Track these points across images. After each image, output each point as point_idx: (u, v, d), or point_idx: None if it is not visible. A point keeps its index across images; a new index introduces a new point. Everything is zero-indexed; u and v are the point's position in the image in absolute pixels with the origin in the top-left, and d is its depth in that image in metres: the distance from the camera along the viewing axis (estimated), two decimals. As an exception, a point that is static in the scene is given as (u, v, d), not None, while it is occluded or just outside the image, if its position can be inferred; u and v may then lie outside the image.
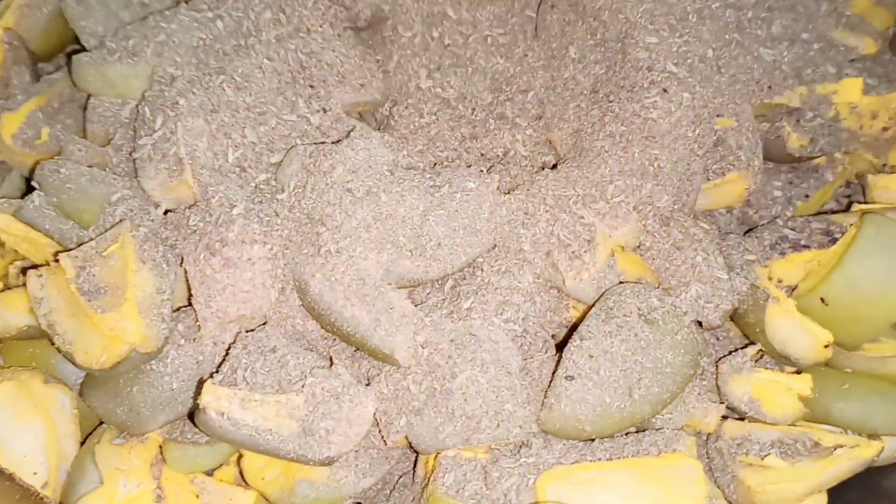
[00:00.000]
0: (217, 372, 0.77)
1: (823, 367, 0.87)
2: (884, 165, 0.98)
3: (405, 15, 0.95)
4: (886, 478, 0.87)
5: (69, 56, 0.92)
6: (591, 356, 0.76)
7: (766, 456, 0.81)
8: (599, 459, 0.78)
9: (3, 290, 0.87)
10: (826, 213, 0.95)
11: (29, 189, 0.88)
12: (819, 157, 0.97)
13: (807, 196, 0.97)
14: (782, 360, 0.85)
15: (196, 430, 0.81)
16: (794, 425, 0.84)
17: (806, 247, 0.88)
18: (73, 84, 0.91)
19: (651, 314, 0.78)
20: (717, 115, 0.89)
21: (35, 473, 0.82)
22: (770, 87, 0.93)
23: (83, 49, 0.94)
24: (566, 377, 0.75)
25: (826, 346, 0.83)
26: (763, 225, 0.92)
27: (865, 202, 0.95)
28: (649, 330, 0.78)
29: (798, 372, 0.86)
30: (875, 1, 1.01)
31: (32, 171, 0.89)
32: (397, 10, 0.95)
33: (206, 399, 0.74)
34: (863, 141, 0.97)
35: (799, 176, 0.98)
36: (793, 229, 0.90)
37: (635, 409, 0.76)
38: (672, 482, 0.75)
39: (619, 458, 0.77)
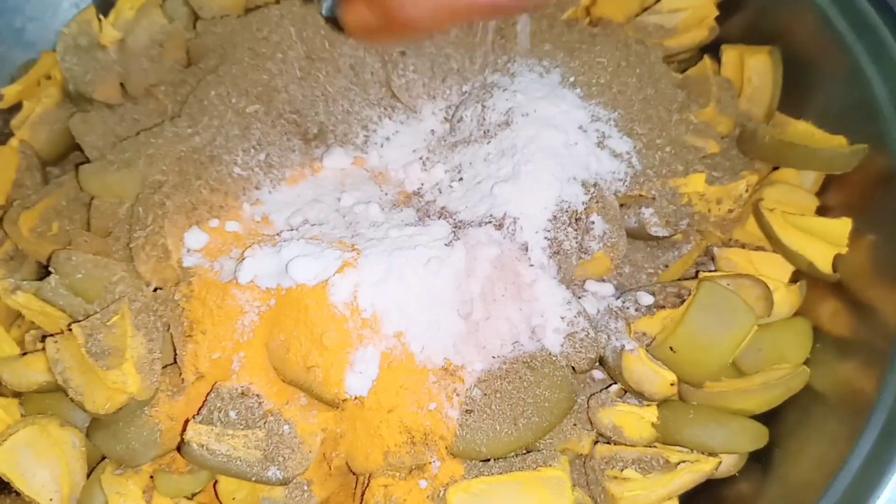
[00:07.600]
0: (198, 414, 0.93)
1: (676, 401, 1.02)
2: (729, 240, 1.14)
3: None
4: (726, 488, 1.01)
5: (77, 166, 1.07)
6: (486, 394, 0.93)
7: (624, 469, 0.95)
8: (494, 474, 0.92)
9: (22, 354, 1.02)
10: (680, 279, 1.11)
11: (43, 273, 1.04)
12: (676, 235, 1.11)
13: (667, 266, 1.12)
14: (640, 397, 0.99)
15: (178, 463, 0.97)
16: (650, 447, 0.99)
17: (662, 307, 1.02)
18: (80, 188, 1.06)
19: (532, 362, 0.96)
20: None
21: (51, 500, 0.96)
22: (629, 183, 1.09)
23: (87, 159, 1.10)
24: (466, 411, 0.93)
25: (672, 385, 0.97)
26: (631, 289, 1.07)
27: (715, 270, 1.10)
28: (530, 374, 0.94)
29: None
30: (718, 111, 1.17)
31: (46, 258, 1.04)
32: (337, 126, 1.12)
33: (189, 434, 0.91)
34: (712, 221, 1.11)
35: (661, 250, 1.13)
36: (652, 293, 1.04)
37: (520, 435, 0.92)
38: (546, 490, 0.90)
39: (508, 472, 0.92)
